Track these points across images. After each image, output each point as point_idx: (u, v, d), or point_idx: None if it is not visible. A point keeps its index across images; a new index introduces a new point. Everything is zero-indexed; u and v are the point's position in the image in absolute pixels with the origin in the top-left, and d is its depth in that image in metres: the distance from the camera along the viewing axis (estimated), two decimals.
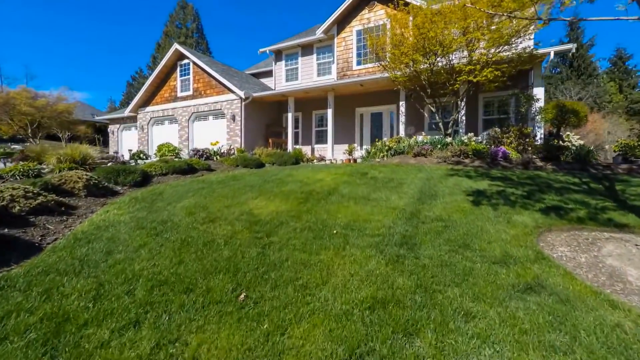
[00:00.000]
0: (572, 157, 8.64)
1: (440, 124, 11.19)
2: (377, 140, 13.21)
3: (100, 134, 24.29)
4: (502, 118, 12.60)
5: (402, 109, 12.86)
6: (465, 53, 9.90)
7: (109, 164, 8.24)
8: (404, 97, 12.83)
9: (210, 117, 16.36)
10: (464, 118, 11.80)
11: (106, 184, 6.21)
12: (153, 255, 3.46)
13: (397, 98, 13.97)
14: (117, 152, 16.73)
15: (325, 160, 13.17)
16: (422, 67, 10.43)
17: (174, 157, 10.70)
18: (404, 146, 10.36)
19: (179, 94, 16.99)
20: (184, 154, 12.30)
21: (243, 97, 14.87)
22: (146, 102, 18.04)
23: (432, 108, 11.32)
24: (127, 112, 18.07)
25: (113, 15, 79.11)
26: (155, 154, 11.15)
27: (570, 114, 9.00)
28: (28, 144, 21.15)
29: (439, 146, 9.99)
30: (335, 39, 15.20)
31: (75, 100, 24.04)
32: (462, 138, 9.95)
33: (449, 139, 10.05)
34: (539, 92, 10.74)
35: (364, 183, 6.60)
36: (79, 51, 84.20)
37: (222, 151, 15.00)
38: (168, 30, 34.77)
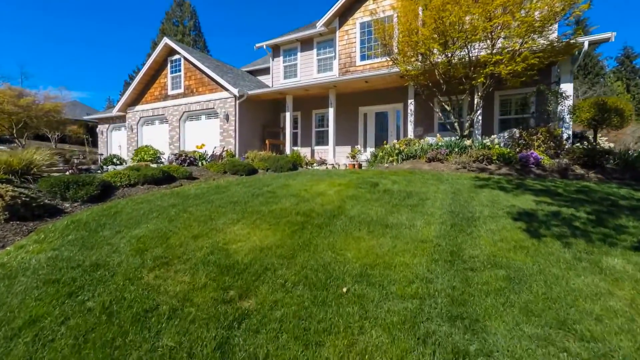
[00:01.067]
0: (616, 163, 7.17)
1: (455, 124, 9.70)
2: (384, 142, 11.75)
3: (92, 134, 22.80)
4: (522, 118, 11.12)
5: (411, 107, 11.37)
6: (487, 43, 8.40)
7: (67, 173, 6.74)
8: (412, 95, 11.35)
9: (203, 117, 14.86)
10: (480, 118, 10.31)
11: (47, 200, 4.73)
12: (34, 351, 1.98)
13: (405, 96, 12.48)
14: (101, 155, 15.23)
15: (326, 164, 11.68)
16: (438, 59, 8.93)
17: (151, 162, 9.20)
18: (415, 149, 8.87)
19: (170, 92, 15.49)
20: (165, 158, 10.78)
21: (237, 95, 13.37)
22: (135, 100, 16.53)
23: (446, 106, 9.82)
24: (115, 111, 16.57)
25: (113, 15, 77.50)
26: (132, 158, 9.65)
27: (612, 113, 7.51)
28: (15, 144, 19.67)
29: (455, 149, 8.51)
30: (337, 33, 13.68)
31: (66, 100, 22.54)
32: (484, 141, 8.46)
33: (467, 142, 8.57)
34: (567, 88, 9.23)
35: (377, 199, 5.12)
36: (78, 51, 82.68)
37: (215, 153, 13.52)
38: (164, 28, 33.19)
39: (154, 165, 7.67)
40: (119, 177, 6.06)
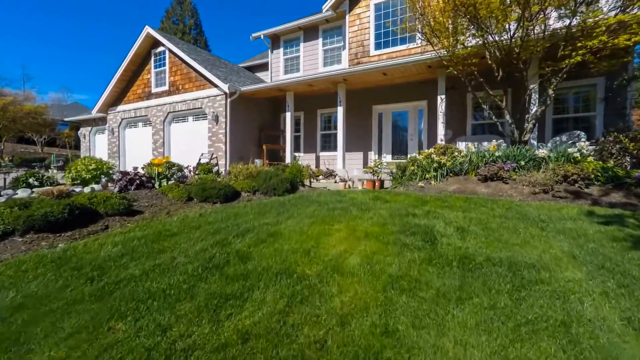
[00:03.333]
0: None
1: (511, 125, 6.85)
2: (402, 148, 8.99)
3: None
4: (583, 118, 8.24)
5: (442, 105, 8.53)
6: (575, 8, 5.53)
7: None
8: (443, 89, 8.51)
9: (190, 118, 12.16)
10: (537, 116, 7.45)
11: None
12: None
13: (430, 91, 9.65)
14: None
15: (335, 177, 8.89)
16: (499, 36, 6.08)
17: (93, 180, 6.44)
18: (461, 162, 6.06)
19: (154, 90, 12.80)
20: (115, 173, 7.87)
21: (227, 91, 10.64)
22: (117, 99, 13.87)
23: (500, 103, 6.95)
24: (94, 111, 13.92)
25: (113, 17, 75.21)
26: (65, 175, 6.83)
27: None
28: None
29: (522, 162, 5.68)
30: (347, 17, 10.86)
31: (65, 102, 20.01)
32: (571, 150, 5.57)
33: (541, 152, 5.73)
34: None
35: (453, 287, 2.34)
36: (79, 54, 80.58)
37: (201, 162, 10.82)
38: (164, 27, 30.52)
39: (87, 189, 4.95)
40: None
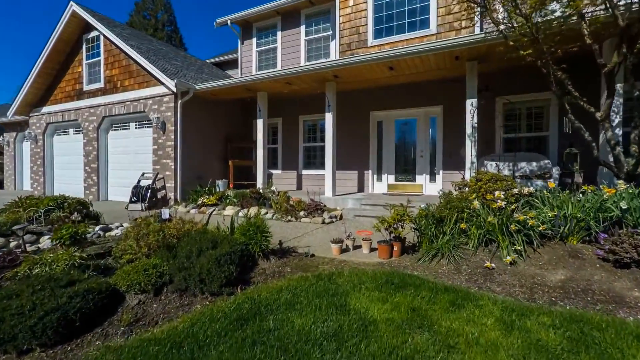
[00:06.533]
0: None
1: (615, 148, 4.08)
2: (410, 166, 6.22)
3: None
4: None
5: (474, 113, 5.74)
6: None
7: None
8: (475, 91, 5.72)
9: (132, 125, 8.86)
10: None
11: None
12: None
13: (448, 94, 6.92)
14: None
15: (321, 215, 5.90)
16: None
17: None
18: (550, 218, 3.19)
19: (86, 87, 9.40)
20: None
21: (175, 90, 7.48)
22: (43, 99, 10.32)
23: (590, 108, 4.15)
24: (10, 113, 10.29)
25: None
26: None
27: None
28: None
29: None
30: None
31: None
32: None
33: None
34: None
35: None
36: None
37: (140, 186, 7.62)
38: (133, 20, 26.54)
39: None
40: None
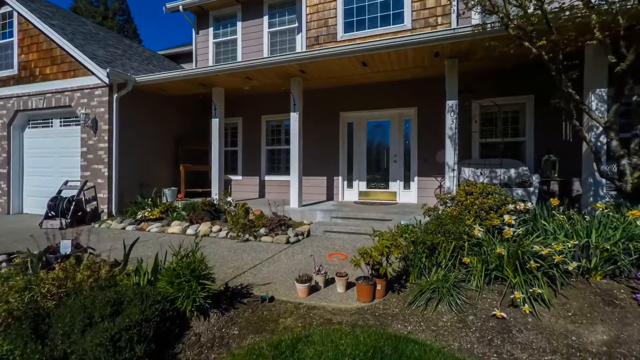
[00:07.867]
0: None
1: (624, 161, 3.58)
2: (381, 172, 5.52)
3: None
4: None
5: (453, 117, 5.13)
6: None
7: None
8: (455, 92, 5.11)
9: (56, 122, 7.19)
10: None
11: None
12: None
13: (423, 95, 6.33)
14: None
15: (285, 232, 4.92)
16: None
17: None
18: (570, 248, 2.52)
19: None
20: None
21: (108, 81, 6.06)
22: None
23: (591, 112, 3.63)
24: None
25: None
26: None
27: None
28: None
29: None
30: None
31: None
32: None
33: None
34: None
35: None
36: None
37: (64, 196, 6.11)
38: (78, 6, 23.28)
39: None
40: None
